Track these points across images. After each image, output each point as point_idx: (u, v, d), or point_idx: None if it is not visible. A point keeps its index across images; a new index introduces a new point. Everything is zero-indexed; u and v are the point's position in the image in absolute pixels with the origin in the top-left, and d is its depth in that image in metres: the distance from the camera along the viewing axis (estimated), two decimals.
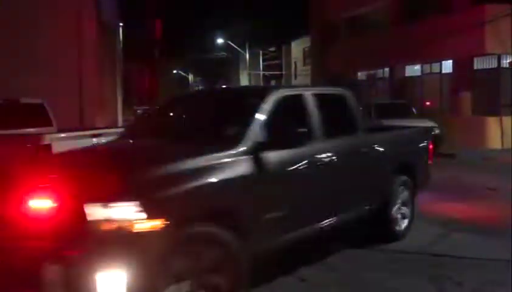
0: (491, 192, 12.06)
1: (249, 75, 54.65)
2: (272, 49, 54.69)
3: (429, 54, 24.97)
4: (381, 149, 7.71)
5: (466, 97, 23.41)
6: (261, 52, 53.85)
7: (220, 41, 57.74)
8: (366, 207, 7.46)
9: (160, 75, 48.80)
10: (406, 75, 28.57)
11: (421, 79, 27.15)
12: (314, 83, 39.27)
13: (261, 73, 55.03)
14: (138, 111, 40.42)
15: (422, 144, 8.92)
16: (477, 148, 20.17)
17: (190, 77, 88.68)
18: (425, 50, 24.68)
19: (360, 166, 7.26)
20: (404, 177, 8.09)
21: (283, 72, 53.70)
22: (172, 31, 44.70)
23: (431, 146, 8.97)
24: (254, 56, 53.27)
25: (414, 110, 21.95)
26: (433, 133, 19.77)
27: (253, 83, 54.76)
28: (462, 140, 20.84)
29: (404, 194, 8.11)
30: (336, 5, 34.18)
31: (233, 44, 53.04)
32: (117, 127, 20.10)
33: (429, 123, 20.37)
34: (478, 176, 14.55)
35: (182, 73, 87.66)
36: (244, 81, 60.51)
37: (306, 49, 46.01)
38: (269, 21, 52.57)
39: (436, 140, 19.86)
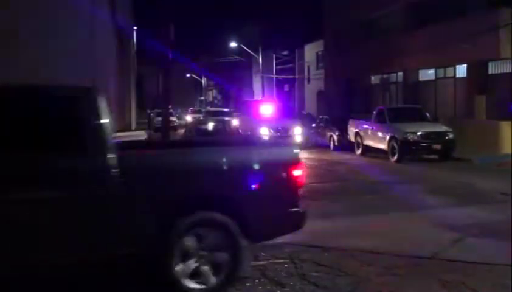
0: (504, 197, 11.98)
1: (262, 78, 54.70)
2: (285, 53, 54.70)
3: (443, 58, 24.87)
4: (135, 175, 5.68)
5: (481, 101, 23.29)
6: (274, 55, 53.85)
7: (233, 44, 57.84)
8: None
9: (173, 79, 48.88)
10: (420, 79, 28.47)
11: (435, 83, 27.04)
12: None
13: (274, 77, 55.04)
14: (151, 114, 40.56)
15: (271, 169, 6.29)
16: (491, 153, 20.04)
17: (203, 81, 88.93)
18: (439, 54, 24.59)
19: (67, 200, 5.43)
20: (210, 215, 5.99)
21: (296, 76, 53.70)
22: (186, 35, 44.92)
23: (293, 172, 6.33)
24: (267, 60, 53.28)
25: (428, 115, 21.88)
26: (447, 138, 19.91)
27: (266, 87, 54.81)
28: (476, 145, 20.73)
29: (212, 238, 5.94)
30: (350, 9, 34.16)
31: (246, 48, 53.12)
32: (131, 130, 20.25)
33: (443, 128, 20.32)
34: (492, 181, 14.46)
35: (196, 77, 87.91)
36: (257, 84, 60.53)
37: (319, 53, 45.98)
38: (283, 25, 52.61)
39: (451, 144, 19.84)
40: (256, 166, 6.24)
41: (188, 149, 6.95)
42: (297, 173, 6.31)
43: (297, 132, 25.63)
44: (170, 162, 5.95)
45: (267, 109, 27.61)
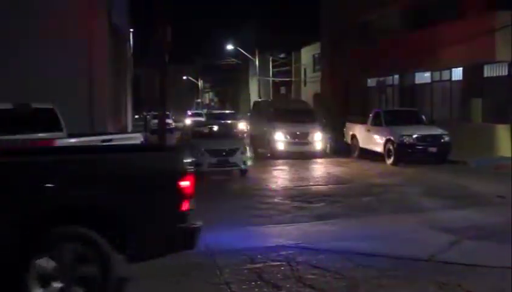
0: (500, 200, 11.98)
1: (259, 81, 54.69)
2: (282, 55, 54.71)
3: (439, 61, 24.90)
4: None
5: (476, 104, 23.32)
6: (270, 58, 53.88)
7: (230, 47, 57.85)
8: None
9: (170, 81, 48.89)
10: (416, 82, 28.49)
11: (431, 86, 27.07)
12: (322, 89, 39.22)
13: (271, 79, 55.04)
14: (147, 116, 40.49)
15: (149, 178, 5.52)
16: (487, 156, 20.07)
17: (200, 83, 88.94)
18: (435, 57, 24.62)
19: None
20: (71, 230, 5.26)
21: (293, 79, 53.70)
22: (183, 37, 44.95)
23: (179, 183, 5.54)
24: (264, 63, 53.29)
25: (424, 117, 21.90)
26: (443, 140, 19.93)
27: (262, 89, 54.79)
28: (472, 148, 20.75)
29: (75, 255, 5.22)
30: (346, 12, 34.18)
31: (242, 50, 53.15)
32: (127, 132, 20.23)
33: (439, 131, 20.34)
34: (488, 184, 14.47)
35: (192, 79, 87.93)
36: (253, 87, 60.54)
37: (315, 56, 46.01)
38: (279, 27, 52.65)
39: (447, 147, 19.85)
40: (130, 175, 5.44)
41: (40, 157, 5.94)
42: (184, 183, 5.52)
43: (317, 139, 23.01)
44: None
45: (283, 110, 24.25)
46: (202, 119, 42.31)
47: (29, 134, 11.11)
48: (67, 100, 14.80)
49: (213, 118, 36.93)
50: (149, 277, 6.73)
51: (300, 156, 22.35)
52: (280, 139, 22.54)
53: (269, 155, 22.77)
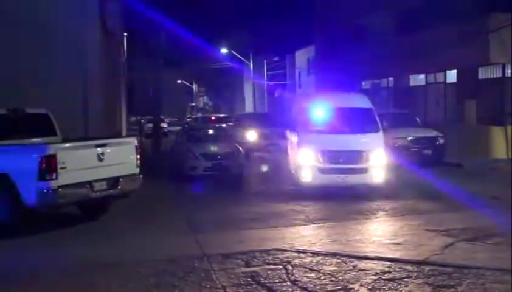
0: (495, 201, 11.99)
1: (253, 84, 54.73)
2: (276, 59, 54.77)
3: (433, 63, 24.95)
4: None
5: (471, 106, 23.37)
6: (265, 61, 53.94)
7: (224, 50, 57.87)
8: None
9: (164, 85, 48.84)
10: (410, 84, 28.55)
11: (425, 88, 27.12)
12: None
13: (265, 82, 55.09)
14: (142, 120, 40.41)
15: None
16: (482, 158, 20.10)
17: (195, 87, 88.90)
18: (430, 59, 24.67)
19: None
20: None
21: (287, 82, 53.75)
22: (177, 41, 44.83)
23: None
24: (258, 66, 53.34)
25: (418, 120, 21.92)
26: (438, 143, 19.95)
27: (257, 93, 54.83)
28: (467, 150, 20.77)
29: None
30: (341, 15, 34.24)
31: (237, 54, 53.17)
32: (121, 136, 20.18)
33: (434, 133, 20.37)
34: (483, 186, 14.48)
35: (187, 83, 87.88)
36: (248, 90, 60.52)
37: (310, 59, 46.06)
38: (273, 31, 52.66)
39: (441, 149, 19.88)
40: None
41: None
42: None
43: (379, 162, 13.25)
44: None
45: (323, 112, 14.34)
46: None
47: (23, 139, 11.07)
48: (61, 105, 14.72)
49: (206, 122, 35.97)
50: (144, 281, 6.73)
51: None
52: (309, 162, 13.18)
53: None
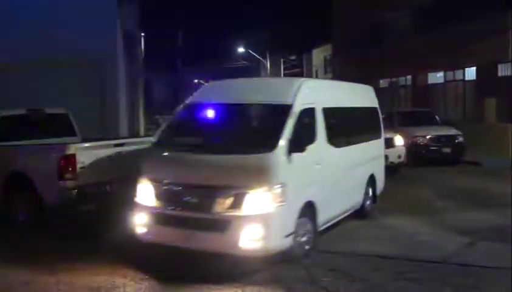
0: None
1: None
2: (293, 57, 54.68)
3: (452, 61, 24.76)
4: None
5: (490, 104, 23.14)
6: (282, 60, 53.89)
7: (241, 50, 57.91)
8: None
9: (181, 84, 49.06)
10: (429, 82, 28.34)
11: (444, 86, 26.91)
12: None
13: None
14: (159, 120, 40.55)
15: None
16: (502, 156, 19.87)
17: None
18: (448, 57, 24.48)
19: None
20: None
21: None
22: (194, 41, 45.02)
23: None
24: (275, 65, 53.31)
25: (437, 118, 21.72)
26: (457, 141, 19.75)
27: None
28: (486, 148, 20.55)
29: None
30: (358, 13, 34.11)
31: (253, 53, 53.17)
32: (139, 136, 20.26)
33: (453, 131, 20.19)
34: (503, 185, 14.31)
35: (203, 83, 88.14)
36: None
37: (327, 57, 45.93)
38: (290, 29, 52.59)
39: (461, 147, 19.69)
40: None
41: None
42: None
43: (261, 211, 6.88)
44: None
45: None
46: None
47: (43, 139, 11.16)
48: (80, 105, 14.81)
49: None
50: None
51: None
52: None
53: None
